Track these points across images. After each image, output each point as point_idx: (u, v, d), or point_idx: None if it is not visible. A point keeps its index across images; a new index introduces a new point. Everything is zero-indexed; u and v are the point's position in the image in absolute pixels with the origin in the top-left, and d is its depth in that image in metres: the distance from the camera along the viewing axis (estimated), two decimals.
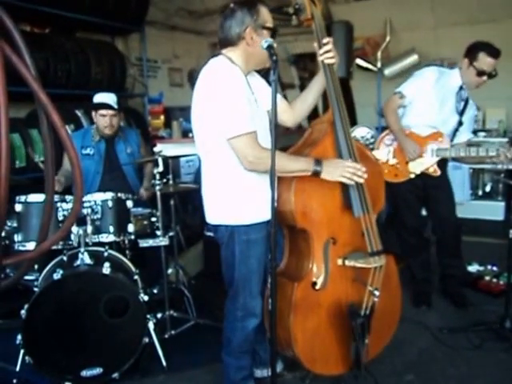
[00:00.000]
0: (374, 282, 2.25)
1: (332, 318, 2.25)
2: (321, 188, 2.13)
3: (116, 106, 3.34)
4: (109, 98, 3.36)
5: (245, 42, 2.06)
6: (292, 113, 2.36)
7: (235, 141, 1.98)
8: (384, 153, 3.28)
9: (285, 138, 3.76)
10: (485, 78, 3.06)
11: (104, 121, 3.31)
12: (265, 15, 2.08)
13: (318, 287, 2.22)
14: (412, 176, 3.20)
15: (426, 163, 3.17)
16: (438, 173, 3.19)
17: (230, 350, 2.30)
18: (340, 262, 2.24)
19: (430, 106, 3.17)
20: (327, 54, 2.19)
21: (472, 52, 3.07)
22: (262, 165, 1.98)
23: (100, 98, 3.37)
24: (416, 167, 3.18)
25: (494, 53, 3.02)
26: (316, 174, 2.05)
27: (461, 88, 3.17)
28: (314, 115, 2.70)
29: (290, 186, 2.12)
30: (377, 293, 2.24)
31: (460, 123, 3.22)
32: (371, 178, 2.29)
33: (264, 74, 2.28)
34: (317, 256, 2.22)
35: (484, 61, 3.02)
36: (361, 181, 2.12)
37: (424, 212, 3.57)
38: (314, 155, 2.17)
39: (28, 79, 0.86)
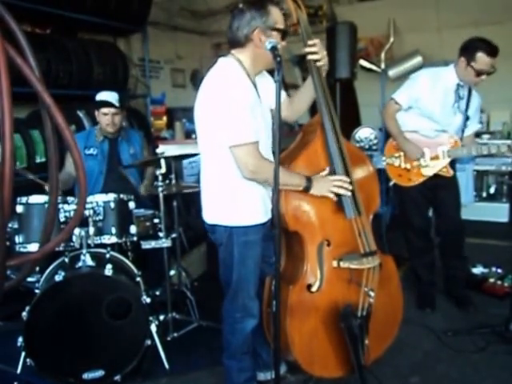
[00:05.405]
0: (369, 283, 2.24)
1: (329, 320, 2.24)
2: None
3: (118, 104, 3.34)
4: (111, 96, 3.36)
5: (253, 44, 2.04)
6: (291, 109, 2.37)
7: (237, 149, 1.98)
8: (396, 158, 3.25)
9: (287, 140, 3.74)
10: (484, 77, 2.97)
11: (106, 119, 3.31)
12: (275, 16, 2.04)
13: (313, 290, 2.21)
14: (424, 179, 3.18)
15: (438, 165, 3.15)
16: (451, 173, 3.18)
17: (230, 352, 2.31)
18: (335, 263, 2.22)
19: (431, 108, 3.12)
20: (314, 55, 2.19)
21: (469, 51, 2.95)
22: (261, 174, 2.00)
23: (102, 96, 3.37)
24: (429, 170, 3.16)
25: (493, 52, 2.90)
26: (306, 189, 2.11)
27: (458, 86, 3.09)
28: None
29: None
30: (372, 293, 2.23)
31: (467, 118, 3.17)
32: (364, 179, 2.30)
33: (268, 74, 2.29)
34: (311, 258, 2.21)
35: (483, 61, 2.91)
36: (348, 194, 2.16)
37: (430, 213, 3.54)
38: (306, 157, 2.21)
39: (32, 81, 0.85)
